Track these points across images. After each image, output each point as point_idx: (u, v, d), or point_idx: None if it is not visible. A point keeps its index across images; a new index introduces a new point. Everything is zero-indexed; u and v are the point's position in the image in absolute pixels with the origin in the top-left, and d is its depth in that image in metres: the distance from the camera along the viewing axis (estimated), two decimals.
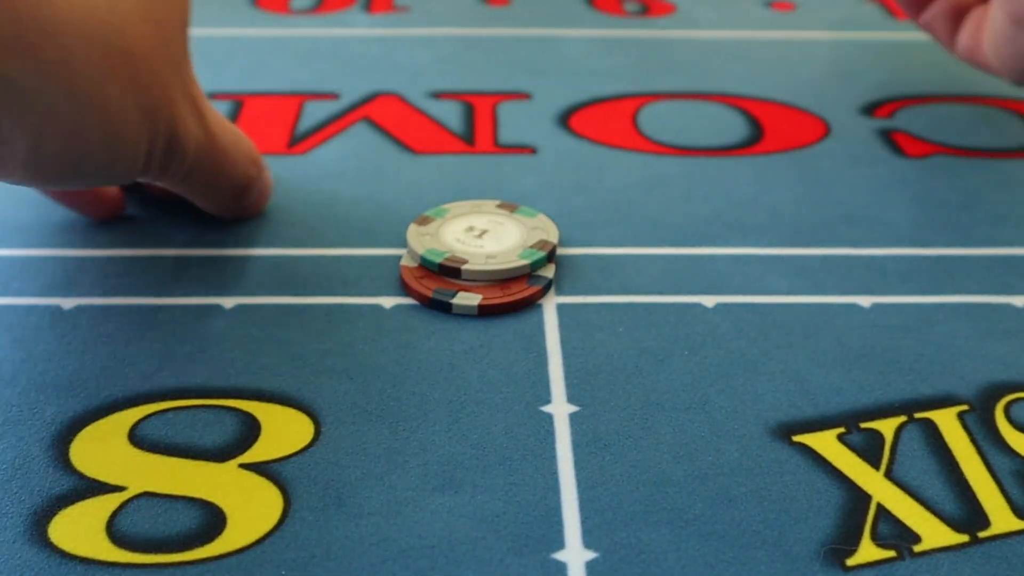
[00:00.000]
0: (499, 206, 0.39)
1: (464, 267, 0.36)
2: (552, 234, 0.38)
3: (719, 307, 0.36)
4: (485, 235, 0.38)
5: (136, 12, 0.31)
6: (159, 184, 0.35)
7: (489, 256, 0.36)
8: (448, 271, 0.36)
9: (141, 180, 0.34)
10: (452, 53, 0.56)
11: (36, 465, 0.29)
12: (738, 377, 0.33)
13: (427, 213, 0.39)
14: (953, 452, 0.30)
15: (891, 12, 0.63)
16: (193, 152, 0.34)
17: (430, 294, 0.35)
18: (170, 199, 0.40)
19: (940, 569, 0.27)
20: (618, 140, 0.47)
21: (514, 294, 0.35)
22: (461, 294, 0.35)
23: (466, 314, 0.35)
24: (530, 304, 0.36)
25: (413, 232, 0.38)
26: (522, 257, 0.36)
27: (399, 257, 0.38)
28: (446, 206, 0.40)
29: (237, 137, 0.37)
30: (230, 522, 0.28)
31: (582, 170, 0.44)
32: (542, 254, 0.36)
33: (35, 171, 0.30)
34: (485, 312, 0.35)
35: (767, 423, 0.31)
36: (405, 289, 0.36)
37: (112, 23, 0.30)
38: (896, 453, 0.30)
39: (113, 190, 0.39)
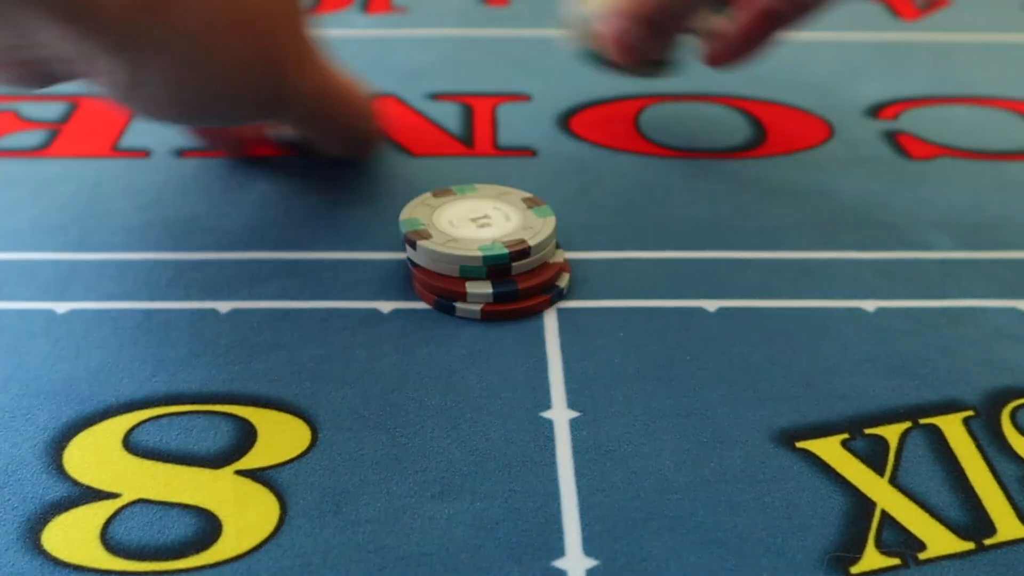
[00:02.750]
0: (524, 199, 0.38)
1: (419, 242, 0.35)
2: (537, 238, 0.36)
3: (721, 311, 0.36)
4: (485, 224, 0.37)
5: None
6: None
7: (451, 240, 0.35)
8: (409, 242, 0.35)
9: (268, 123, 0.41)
10: (451, 54, 0.55)
11: (29, 471, 0.29)
12: (740, 382, 0.32)
13: (453, 188, 0.38)
14: (958, 458, 0.30)
15: (895, 12, 0.63)
16: (309, 99, 0.38)
17: (434, 296, 0.35)
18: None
19: None
20: (619, 142, 0.47)
21: (521, 303, 0.35)
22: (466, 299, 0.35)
23: (469, 317, 0.35)
24: (536, 312, 0.35)
25: (419, 199, 0.37)
26: (481, 249, 0.35)
27: (397, 261, 0.38)
28: (477, 185, 0.39)
29: (351, 91, 0.41)
30: (226, 529, 0.27)
31: (583, 173, 0.44)
32: (504, 251, 0.35)
33: (175, 111, 0.35)
34: (488, 317, 0.35)
35: (770, 429, 0.31)
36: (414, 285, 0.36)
37: None
38: (901, 459, 0.30)
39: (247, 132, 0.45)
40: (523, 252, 0.35)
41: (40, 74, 0.34)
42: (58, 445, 0.30)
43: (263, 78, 0.36)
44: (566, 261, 0.37)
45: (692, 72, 0.54)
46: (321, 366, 0.33)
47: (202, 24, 0.33)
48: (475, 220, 0.36)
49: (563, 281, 0.36)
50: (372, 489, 0.28)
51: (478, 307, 0.35)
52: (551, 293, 0.35)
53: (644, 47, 0.44)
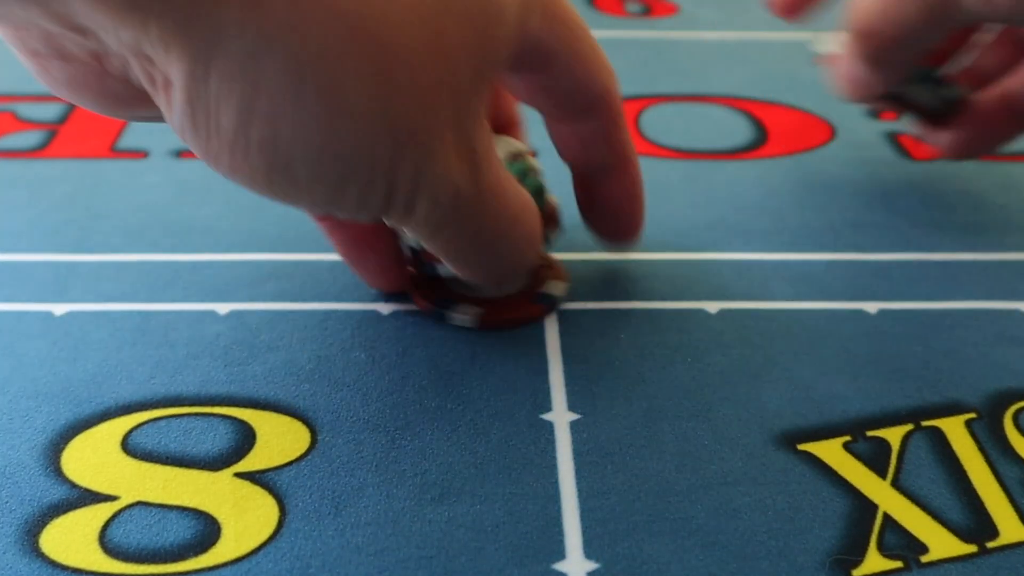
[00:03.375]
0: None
1: (440, 265, 0.33)
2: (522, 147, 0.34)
3: (722, 313, 0.35)
4: None
5: (413, 10, 0.24)
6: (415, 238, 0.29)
7: None
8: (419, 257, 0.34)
9: (390, 224, 0.29)
10: None
11: (27, 474, 0.29)
12: (742, 384, 0.32)
13: None
14: (961, 461, 0.30)
15: None
16: (450, 204, 0.27)
17: (432, 304, 0.35)
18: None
19: None
20: None
21: (517, 311, 0.34)
22: (462, 307, 0.34)
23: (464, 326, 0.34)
24: (535, 320, 0.35)
25: None
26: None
27: None
28: None
29: (522, 212, 0.30)
30: (225, 532, 0.27)
31: None
32: (519, 165, 0.33)
33: (240, 158, 0.24)
34: (486, 327, 0.34)
35: (771, 431, 0.31)
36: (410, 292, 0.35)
37: (370, 2, 0.24)
38: (903, 462, 0.30)
39: (393, 262, 0.35)
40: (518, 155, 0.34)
41: (94, 73, 0.25)
42: (56, 447, 0.29)
43: (395, 138, 0.25)
44: (555, 208, 0.36)
45: (690, 73, 0.54)
46: (320, 368, 0.33)
47: (312, 31, 0.23)
48: None
49: (557, 289, 0.35)
50: (372, 491, 0.28)
51: (474, 316, 0.34)
52: (544, 303, 0.35)
53: (872, 85, 0.41)
